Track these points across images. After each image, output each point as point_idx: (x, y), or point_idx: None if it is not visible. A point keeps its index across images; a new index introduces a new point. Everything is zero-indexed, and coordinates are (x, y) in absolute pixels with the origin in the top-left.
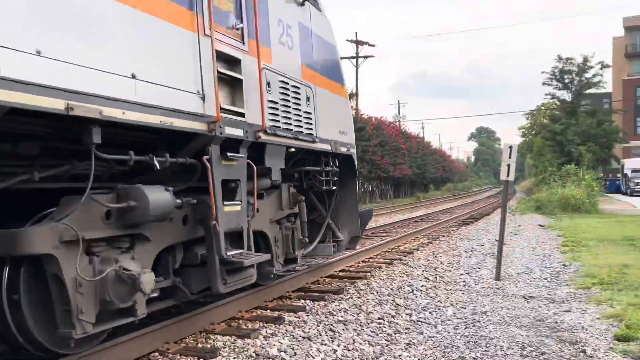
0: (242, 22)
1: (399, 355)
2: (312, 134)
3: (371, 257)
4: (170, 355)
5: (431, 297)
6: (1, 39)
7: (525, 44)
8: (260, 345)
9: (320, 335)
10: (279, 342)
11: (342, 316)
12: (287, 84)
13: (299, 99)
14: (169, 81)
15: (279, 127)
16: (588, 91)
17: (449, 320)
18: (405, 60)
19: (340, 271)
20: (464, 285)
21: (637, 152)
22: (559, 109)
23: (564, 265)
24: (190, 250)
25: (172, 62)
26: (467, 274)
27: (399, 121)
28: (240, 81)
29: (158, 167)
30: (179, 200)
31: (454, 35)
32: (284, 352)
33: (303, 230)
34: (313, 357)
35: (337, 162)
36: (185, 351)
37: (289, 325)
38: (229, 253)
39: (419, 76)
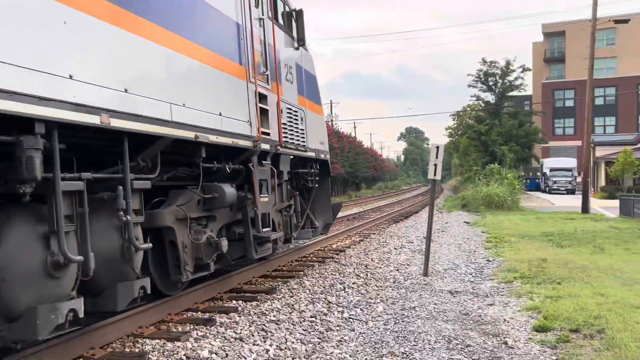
0: (267, 69)
1: (331, 353)
2: (304, 145)
3: (304, 256)
4: None
5: (362, 294)
6: (172, 99)
7: (453, 46)
8: (190, 348)
9: (253, 335)
10: (210, 343)
11: (274, 316)
12: (291, 110)
13: (297, 120)
14: (235, 115)
15: (288, 141)
16: (510, 93)
17: (379, 316)
18: (337, 60)
19: (273, 271)
20: (394, 282)
21: (555, 152)
22: (483, 110)
23: (487, 260)
24: (230, 229)
25: (236, 102)
26: (397, 270)
27: (332, 121)
28: (266, 111)
29: (229, 172)
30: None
31: (385, 37)
32: (215, 353)
33: (297, 217)
34: (245, 358)
35: (317, 166)
36: (112, 356)
37: (221, 327)
38: (264, 229)
39: (350, 76)
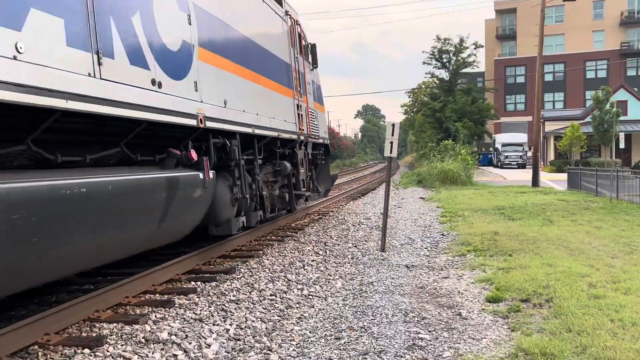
0: (300, 89)
1: (291, 330)
2: (317, 135)
3: (263, 235)
4: (52, 347)
5: (321, 271)
6: (270, 115)
7: (408, 24)
8: (149, 330)
9: (212, 315)
10: (169, 325)
11: (234, 295)
12: (312, 112)
13: (314, 119)
14: (290, 120)
15: (311, 134)
16: (464, 70)
17: (338, 292)
18: None
19: (232, 251)
20: (352, 258)
21: (507, 127)
22: (437, 88)
23: (442, 234)
24: (282, 189)
25: (290, 112)
26: (355, 247)
27: None
28: (301, 115)
29: (287, 154)
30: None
31: (341, 14)
32: (175, 335)
33: (313, 183)
34: (205, 338)
35: (322, 148)
36: (68, 341)
37: (180, 308)
38: (302, 189)
39: None
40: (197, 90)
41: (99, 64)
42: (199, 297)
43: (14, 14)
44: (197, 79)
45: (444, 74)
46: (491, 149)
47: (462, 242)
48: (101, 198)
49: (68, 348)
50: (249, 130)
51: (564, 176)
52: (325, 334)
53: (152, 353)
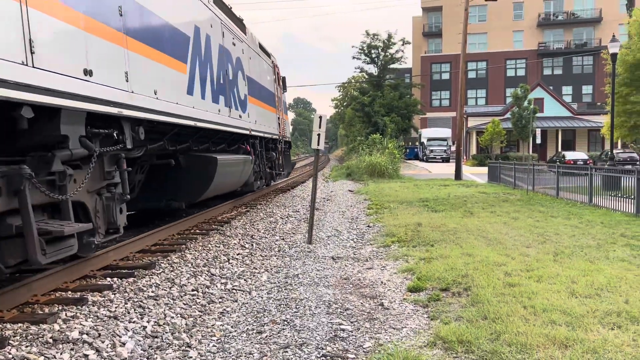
0: (279, 107)
1: (212, 325)
2: (286, 135)
3: (186, 229)
4: None
5: (247, 265)
6: (264, 126)
7: (339, 17)
8: (58, 330)
9: (129, 313)
10: (80, 324)
11: (153, 291)
12: (284, 121)
13: (285, 124)
14: (274, 126)
15: (283, 135)
16: (392, 66)
17: (263, 285)
18: None
19: (152, 245)
20: (279, 251)
21: (433, 122)
22: (366, 82)
23: (368, 226)
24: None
25: (274, 122)
26: (282, 239)
27: None
28: (280, 123)
29: (271, 147)
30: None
31: (272, 5)
32: (87, 334)
33: (282, 166)
34: (120, 337)
35: (287, 144)
36: None
37: (93, 306)
38: (280, 170)
39: None
40: (249, 117)
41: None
42: (114, 294)
43: None
44: (256, 119)
45: (373, 69)
46: (417, 143)
47: (387, 234)
48: (231, 164)
49: None
50: (263, 135)
51: (485, 170)
52: (247, 329)
53: (60, 354)
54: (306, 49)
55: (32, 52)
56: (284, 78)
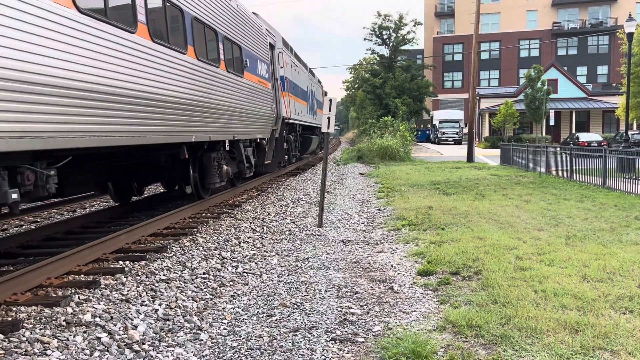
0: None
1: (223, 308)
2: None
3: (198, 213)
4: None
5: (258, 248)
6: (307, 114)
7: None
8: (71, 313)
9: (141, 296)
10: (93, 307)
11: (164, 275)
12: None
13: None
14: (309, 115)
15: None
16: (403, 47)
17: (273, 269)
18: None
19: (164, 229)
20: (290, 234)
21: (445, 104)
22: (378, 64)
23: (379, 209)
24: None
25: (309, 113)
26: (293, 223)
27: None
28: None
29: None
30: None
31: None
32: (99, 317)
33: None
34: (132, 319)
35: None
36: None
37: (106, 289)
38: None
39: None
40: (316, 119)
41: None
42: (126, 277)
43: None
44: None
45: (384, 51)
46: (429, 125)
47: (397, 217)
48: (314, 140)
49: None
50: (319, 125)
51: (497, 152)
52: (258, 312)
53: (74, 336)
54: (316, 31)
55: (301, 114)
56: (326, 92)
